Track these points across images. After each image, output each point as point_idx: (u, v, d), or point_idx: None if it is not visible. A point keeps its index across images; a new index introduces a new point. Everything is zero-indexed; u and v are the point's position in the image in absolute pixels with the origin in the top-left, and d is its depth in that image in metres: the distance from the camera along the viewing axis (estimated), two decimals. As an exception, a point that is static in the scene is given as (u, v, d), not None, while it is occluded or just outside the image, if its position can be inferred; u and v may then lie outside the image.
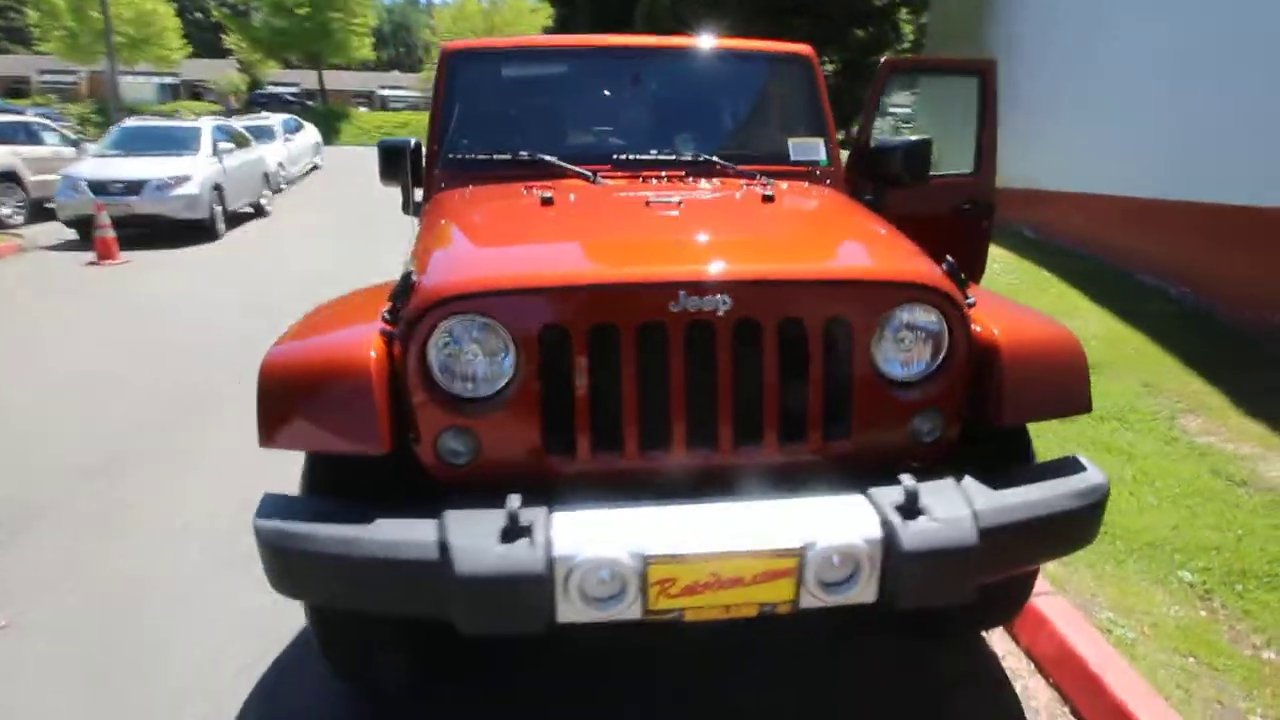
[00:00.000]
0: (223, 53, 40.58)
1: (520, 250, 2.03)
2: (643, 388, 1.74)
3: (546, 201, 2.34)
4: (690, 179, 2.83)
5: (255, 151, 12.76)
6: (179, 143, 10.82)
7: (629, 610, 1.59)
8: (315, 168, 18.21)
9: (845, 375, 1.80)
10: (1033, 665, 2.29)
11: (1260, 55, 5.28)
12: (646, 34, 6.70)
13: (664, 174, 2.85)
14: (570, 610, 1.56)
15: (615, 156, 2.88)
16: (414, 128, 33.26)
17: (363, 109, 38.31)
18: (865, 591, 1.64)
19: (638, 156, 2.89)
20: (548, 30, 18.02)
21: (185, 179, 10.01)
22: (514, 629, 1.57)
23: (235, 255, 9.52)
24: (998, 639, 2.41)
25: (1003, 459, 1.97)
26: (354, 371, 1.68)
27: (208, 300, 7.03)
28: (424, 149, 3.03)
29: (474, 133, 2.97)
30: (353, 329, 1.87)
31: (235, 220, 11.33)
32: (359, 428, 1.67)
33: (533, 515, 1.59)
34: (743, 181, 2.80)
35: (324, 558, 1.57)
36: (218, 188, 10.60)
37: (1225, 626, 2.38)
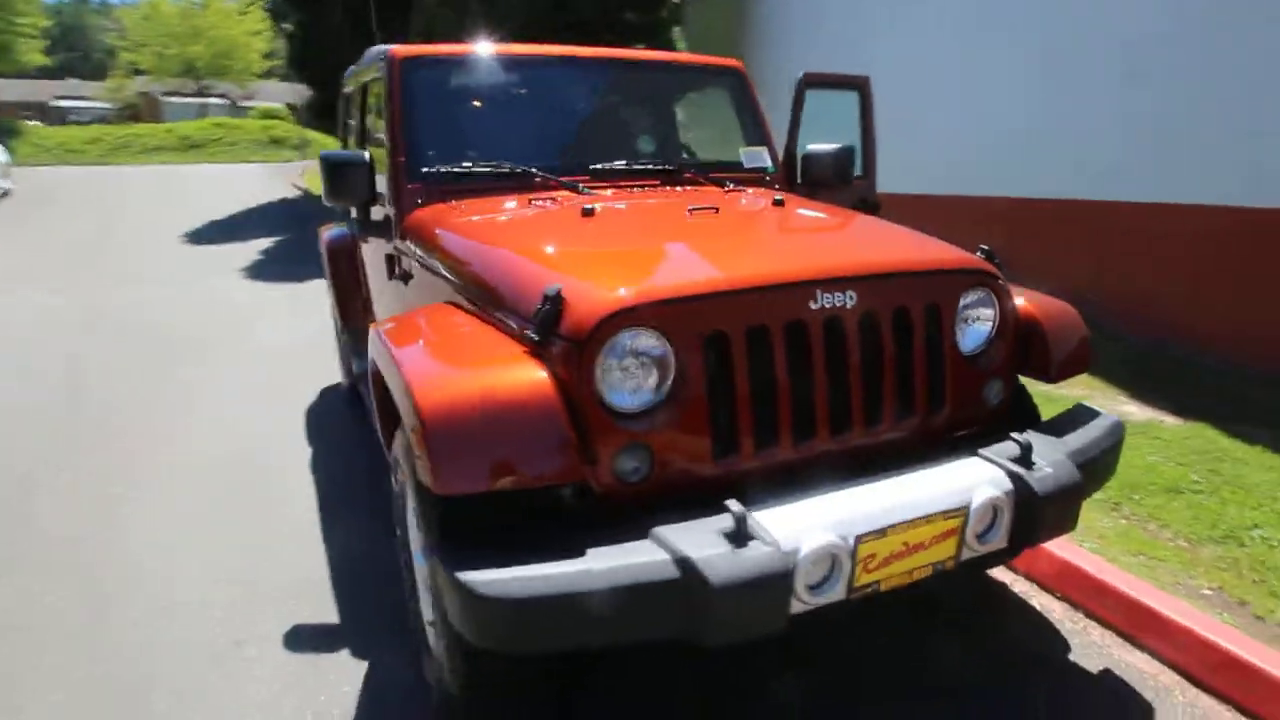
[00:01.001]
0: None
1: (644, 261, 2.00)
2: (792, 383, 1.83)
3: (588, 213, 2.32)
4: (665, 187, 2.93)
5: (-61, 176, 10.39)
6: None
7: (838, 591, 1.67)
8: (5, 193, 15.14)
9: (940, 354, 2.03)
10: (1035, 585, 2.70)
11: (1004, 79, 6.50)
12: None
13: (641, 184, 2.91)
14: (796, 602, 1.62)
15: (590, 167, 2.88)
16: (109, 143, 28.75)
17: (35, 123, 32.29)
18: (1003, 538, 1.88)
19: (611, 166, 2.91)
20: (290, 38, 16.59)
21: None
22: (758, 631, 1.58)
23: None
24: (995, 572, 2.81)
25: (1022, 417, 2.32)
26: (537, 398, 1.59)
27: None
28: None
29: (439, 145, 2.81)
30: (495, 353, 1.74)
31: (-74, 261, 9.16)
32: (551, 457, 1.58)
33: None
34: (720, 189, 2.95)
35: (561, 599, 1.46)
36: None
37: (1141, 528, 2.98)
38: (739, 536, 1.57)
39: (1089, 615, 2.52)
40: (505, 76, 3.04)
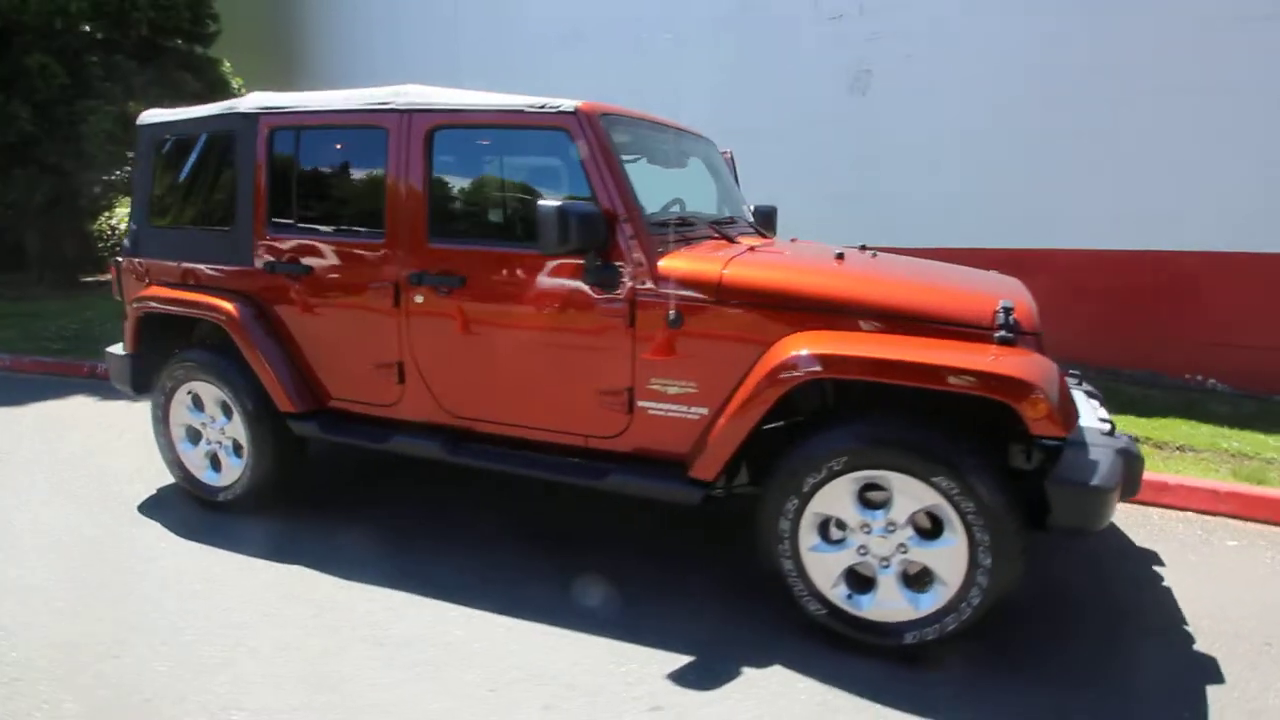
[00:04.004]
0: None
1: (984, 286, 2.86)
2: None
3: (839, 256, 3.01)
4: (744, 236, 3.62)
5: None
6: None
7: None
8: None
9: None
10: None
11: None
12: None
13: (733, 235, 3.53)
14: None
15: (688, 220, 3.36)
16: None
17: None
18: (1104, 426, 3.30)
19: (719, 219, 3.53)
20: None
21: None
22: None
23: None
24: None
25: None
26: (1057, 372, 2.42)
27: None
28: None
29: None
30: (982, 348, 2.41)
31: None
32: (1075, 410, 2.45)
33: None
34: (762, 237, 3.78)
35: (1119, 485, 2.32)
36: None
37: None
38: (1113, 434, 2.66)
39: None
40: (637, 135, 3.30)
